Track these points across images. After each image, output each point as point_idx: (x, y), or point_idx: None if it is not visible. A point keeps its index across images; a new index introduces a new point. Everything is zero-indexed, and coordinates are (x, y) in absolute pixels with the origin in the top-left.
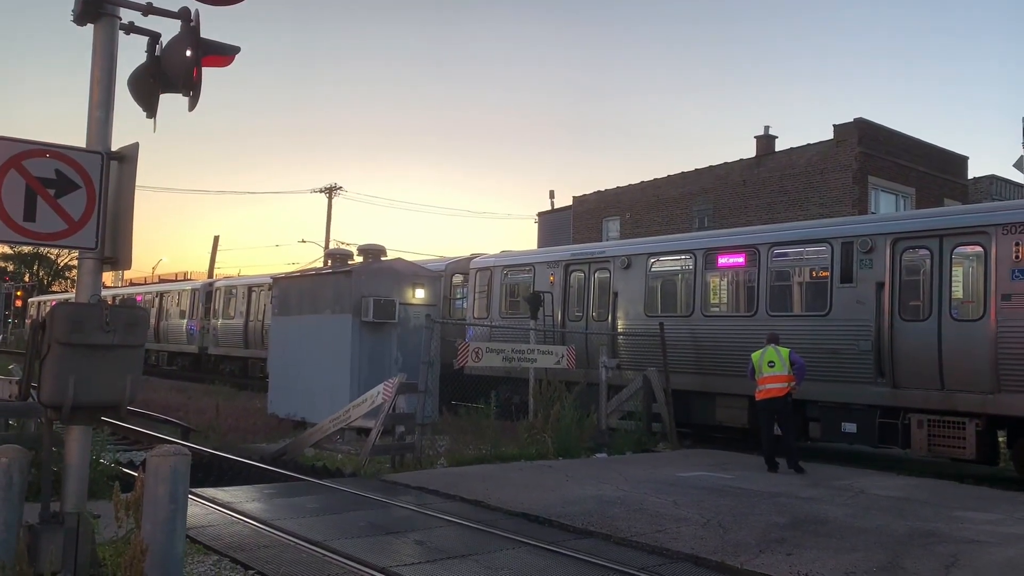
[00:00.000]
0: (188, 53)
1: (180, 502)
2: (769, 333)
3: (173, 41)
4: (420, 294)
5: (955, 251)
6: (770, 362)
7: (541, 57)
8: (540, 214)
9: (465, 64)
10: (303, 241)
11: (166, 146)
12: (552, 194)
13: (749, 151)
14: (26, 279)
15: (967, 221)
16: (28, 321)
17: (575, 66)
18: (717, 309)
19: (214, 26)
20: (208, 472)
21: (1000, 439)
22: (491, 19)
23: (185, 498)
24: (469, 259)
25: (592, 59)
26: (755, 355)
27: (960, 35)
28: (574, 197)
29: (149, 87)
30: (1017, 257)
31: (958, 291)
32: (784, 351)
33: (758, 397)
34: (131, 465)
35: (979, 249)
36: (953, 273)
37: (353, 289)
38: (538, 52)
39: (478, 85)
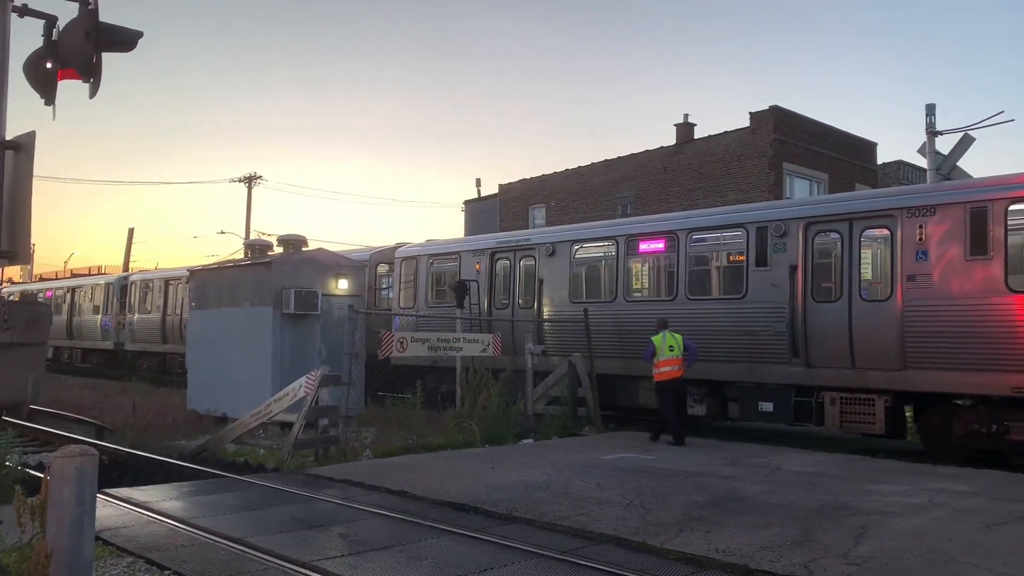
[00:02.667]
0: (87, 37)
1: (87, 504)
2: (659, 319)
3: (71, 24)
4: (343, 284)
5: (864, 234)
6: (670, 346)
7: (464, 46)
8: (467, 202)
9: (387, 53)
10: (222, 232)
11: (75, 135)
12: (479, 182)
13: (670, 139)
14: None
15: (874, 205)
16: None
17: (499, 55)
18: (639, 294)
19: (117, 10)
20: (124, 471)
21: (907, 414)
22: (412, 7)
23: (93, 500)
24: (394, 248)
25: (515, 48)
26: (656, 339)
27: (869, 27)
28: (500, 185)
29: (46, 73)
30: (921, 239)
31: (867, 273)
32: (679, 336)
33: (659, 379)
34: (40, 467)
35: (886, 232)
36: (862, 255)
37: (274, 280)
38: (461, 41)
39: (402, 73)
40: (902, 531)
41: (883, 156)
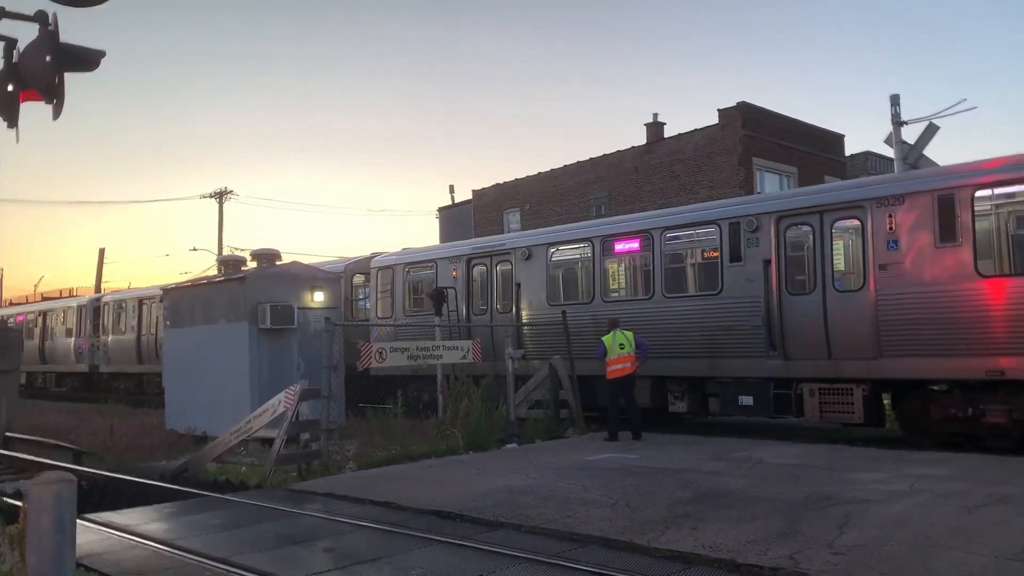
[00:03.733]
0: (48, 58)
1: (67, 531)
2: (610, 318)
3: (31, 46)
4: (319, 297)
5: (835, 225)
6: (620, 344)
7: (432, 53)
8: (441, 209)
9: (354, 63)
10: (195, 249)
11: (39, 156)
12: (452, 188)
13: (640, 138)
14: None
15: (844, 196)
16: None
17: (467, 61)
18: (616, 294)
19: (79, 28)
20: (104, 495)
21: (885, 401)
22: (378, 14)
23: (73, 526)
24: (370, 258)
25: (483, 54)
26: (607, 338)
27: (830, 19)
28: (474, 191)
29: (8, 96)
30: (891, 228)
31: (840, 264)
32: (629, 334)
33: (611, 376)
34: (18, 495)
35: (856, 223)
36: (834, 247)
37: (248, 296)
38: (429, 49)
39: (370, 83)
40: (885, 518)
41: (851, 147)
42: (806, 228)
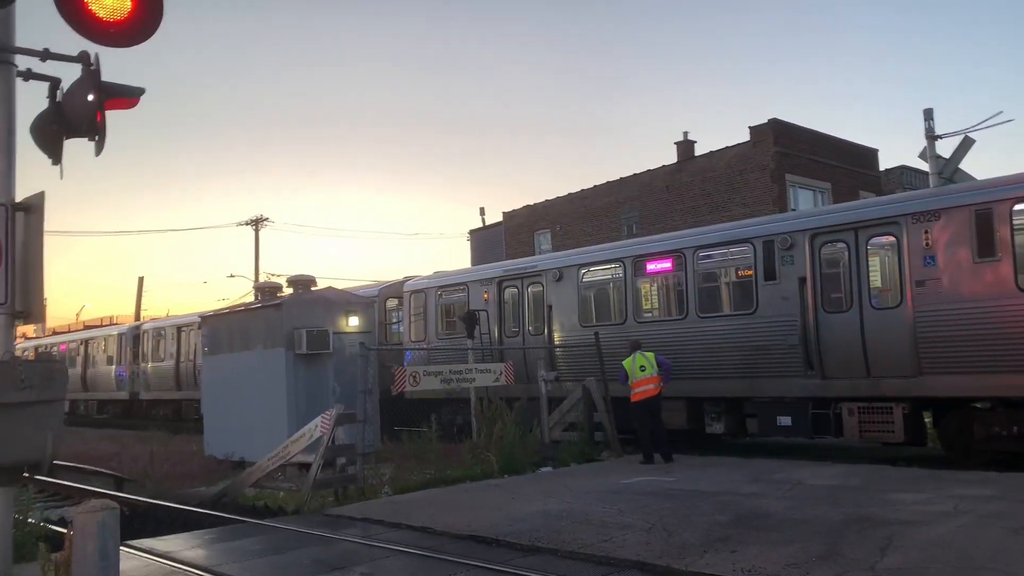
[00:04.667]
0: (90, 97)
1: (111, 558)
2: (630, 341)
3: (74, 86)
4: (354, 322)
5: (870, 242)
6: (641, 367)
7: (462, 76)
8: (472, 232)
9: (384, 85)
10: (232, 276)
11: (82, 188)
12: (482, 211)
13: (671, 157)
14: None
15: (879, 213)
16: None
17: (497, 83)
18: (649, 315)
19: (118, 64)
20: (145, 522)
21: (926, 420)
22: (408, 40)
23: (116, 553)
24: (402, 282)
25: (513, 76)
26: (627, 362)
27: (863, 34)
28: (504, 212)
29: (52, 134)
30: (928, 244)
31: (876, 281)
32: (650, 355)
33: (634, 399)
34: (62, 522)
35: (892, 239)
36: (870, 264)
37: (284, 322)
38: (459, 72)
39: (400, 105)
40: (928, 540)
41: (885, 161)
42: (841, 245)
